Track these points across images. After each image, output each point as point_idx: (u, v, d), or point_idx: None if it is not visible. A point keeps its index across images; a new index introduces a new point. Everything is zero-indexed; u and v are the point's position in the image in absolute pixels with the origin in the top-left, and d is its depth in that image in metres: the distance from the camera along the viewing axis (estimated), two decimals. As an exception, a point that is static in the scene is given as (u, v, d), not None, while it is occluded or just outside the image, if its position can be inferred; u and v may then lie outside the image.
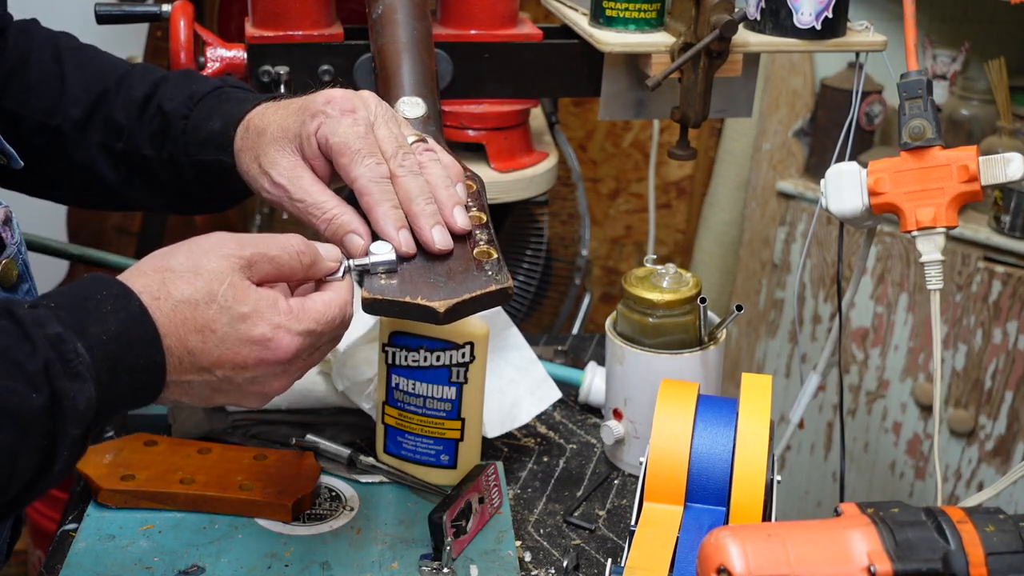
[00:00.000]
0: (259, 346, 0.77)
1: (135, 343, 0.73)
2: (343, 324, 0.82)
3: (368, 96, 0.91)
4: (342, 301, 0.81)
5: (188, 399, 0.79)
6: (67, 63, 1.07)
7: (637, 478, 0.99)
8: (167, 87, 1.03)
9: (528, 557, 1.04)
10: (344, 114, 0.87)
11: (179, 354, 0.75)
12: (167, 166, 1.02)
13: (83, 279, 0.76)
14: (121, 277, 0.76)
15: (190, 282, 0.76)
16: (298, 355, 0.79)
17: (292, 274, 0.81)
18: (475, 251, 0.86)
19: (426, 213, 0.86)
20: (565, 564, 1.02)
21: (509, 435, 1.23)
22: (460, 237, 0.88)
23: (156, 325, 0.74)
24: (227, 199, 1.05)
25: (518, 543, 1.06)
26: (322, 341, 0.81)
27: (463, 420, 1.07)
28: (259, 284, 0.79)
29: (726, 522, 0.92)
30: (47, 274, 2.34)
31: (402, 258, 0.85)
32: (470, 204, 0.91)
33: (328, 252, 0.83)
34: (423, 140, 0.91)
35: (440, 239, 0.86)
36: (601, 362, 1.31)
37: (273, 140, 0.90)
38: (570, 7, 1.30)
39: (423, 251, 0.86)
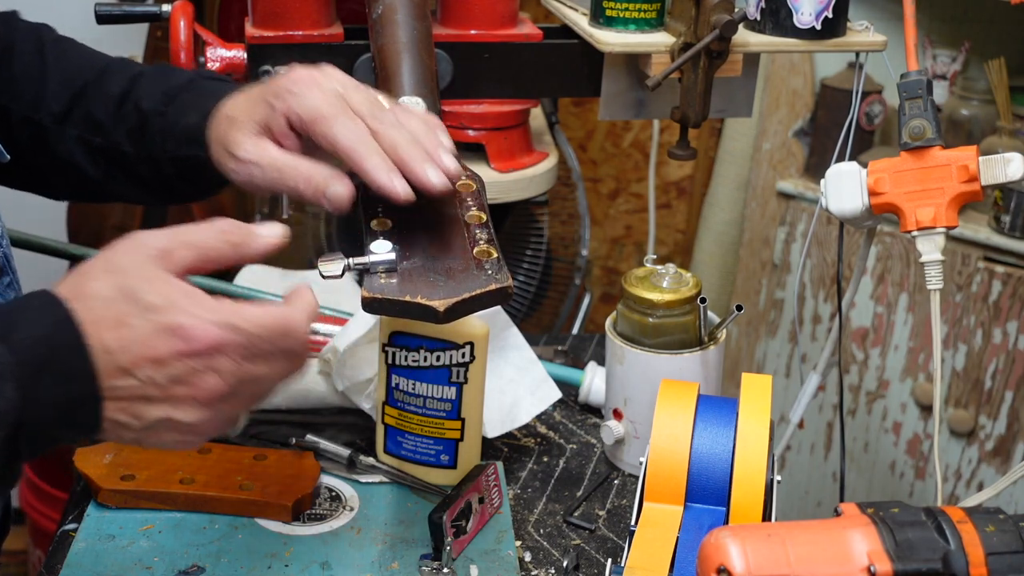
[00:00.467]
0: (171, 335, 0.72)
1: (60, 348, 0.71)
2: (287, 336, 0.76)
3: (331, 69, 0.89)
4: (289, 312, 0.76)
5: (126, 418, 0.74)
6: (48, 55, 1.06)
7: (637, 478, 0.99)
8: (143, 83, 1.02)
9: (528, 557, 1.04)
10: (311, 87, 0.86)
11: (99, 354, 0.72)
12: (147, 162, 1.01)
13: (21, 296, 0.74)
14: (51, 287, 0.74)
15: (103, 279, 0.73)
16: (219, 348, 0.73)
17: (219, 256, 0.77)
18: (475, 250, 0.86)
19: (416, 157, 0.84)
20: (565, 564, 1.02)
21: (509, 435, 1.23)
22: (460, 236, 0.88)
23: (80, 329, 0.71)
24: (209, 190, 1.03)
25: (518, 543, 1.06)
26: (259, 347, 0.75)
27: (463, 420, 1.07)
28: (183, 274, 0.75)
29: (726, 522, 0.92)
30: (47, 274, 2.33)
31: (402, 257, 0.85)
32: (470, 204, 0.91)
33: (268, 230, 0.79)
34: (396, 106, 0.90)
35: (436, 178, 0.83)
36: (601, 362, 1.31)
37: (240, 126, 0.89)
38: (570, 7, 1.30)
39: (423, 251, 0.86)
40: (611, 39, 1.20)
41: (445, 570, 0.98)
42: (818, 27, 1.19)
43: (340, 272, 0.84)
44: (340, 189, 0.84)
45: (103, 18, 1.26)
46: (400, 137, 0.85)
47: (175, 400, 0.74)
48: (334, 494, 1.09)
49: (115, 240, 0.76)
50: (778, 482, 0.94)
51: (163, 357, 0.72)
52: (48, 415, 0.71)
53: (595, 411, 1.30)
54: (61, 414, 0.72)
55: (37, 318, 0.71)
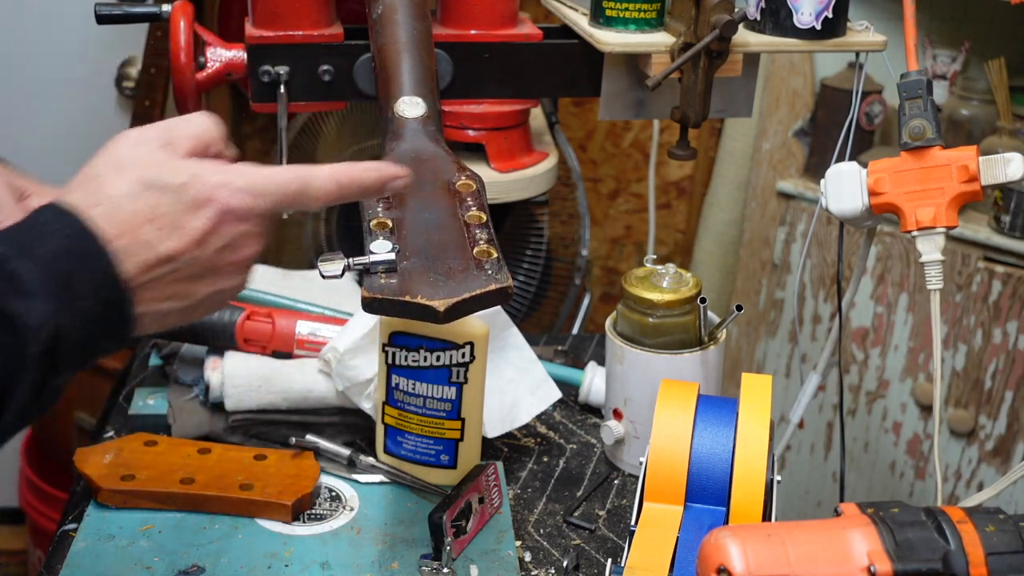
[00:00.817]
0: (207, 207, 0.73)
1: (86, 256, 0.70)
2: (305, 195, 0.77)
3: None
4: (307, 171, 0.78)
5: (172, 305, 0.75)
6: None
7: (637, 478, 0.99)
8: None
9: (528, 557, 1.04)
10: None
11: (136, 250, 0.72)
12: None
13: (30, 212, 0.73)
14: (53, 200, 0.74)
15: (119, 177, 0.73)
16: (254, 211, 0.75)
17: (215, 139, 0.78)
18: (475, 250, 0.86)
19: None
20: (565, 564, 1.02)
21: (509, 435, 1.23)
22: (460, 236, 0.88)
23: (102, 234, 0.71)
24: None
25: (518, 543, 1.06)
26: (282, 200, 0.77)
27: (463, 420, 1.07)
28: (189, 157, 0.76)
29: (726, 522, 0.92)
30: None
31: (402, 257, 0.85)
32: (470, 204, 0.91)
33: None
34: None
35: None
36: (601, 362, 1.30)
37: None
38: (570, 7, 1.30)
39: (423, 251, 0.86)
40: (611, 39, 1.20)
41: (445, 570, 0.98)
42: (818, 27, 1.19)
43: (340, 272, 0.84)
44: None
45: (103, 18, 1.26)
46: None
47: (220, 271, 0.76)
48: (334, 494, 1.09)
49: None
50: (778, 482, 0.94)
51: (204, 234, 0.73)
52: (88, 327, 0.71)
53: (595, 411, 1.30)
54: (102, 324, 0.72)
55: (54, 231, 0.71)
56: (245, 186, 0.75)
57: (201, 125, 0.78)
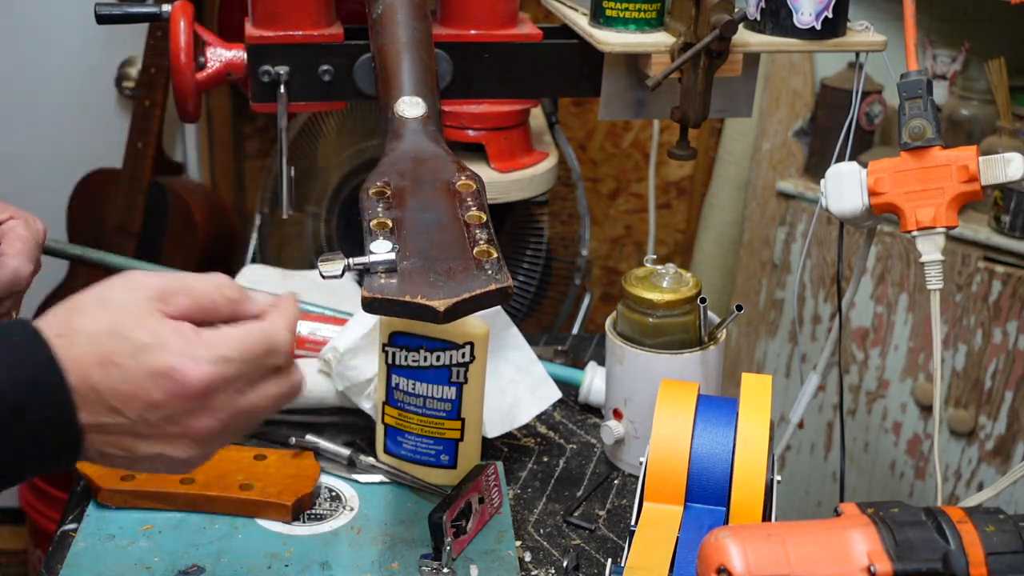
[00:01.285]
0: (164, 378, 0.70)
1: (41, 389, 0.68)
2: (272, 353, 0.74)
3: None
4: (269, 328, 0.74)
5: (114, 451, 0.72)
6: None
7: (637, 478, 0.99)
8: None
9: (528, 557, 1.04)
10: None
11: (83, 391, 0.69)
12: None
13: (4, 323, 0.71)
14: (35, 320, 0.71)
15: (94, 315, 0.71)
16: (214, 387, 0.71)
17: (213, 308, 0.74)
18: (475, 250, 0.86)
19: None
20: (565, 564, 1.02)
21: (509, 435, 1.23)
22: (460, 236, 0.88)
23: (63, 372, 0.69)
24: None
25: (518, 543, 1.06)
26: (252, 373, 0.73)
27: (463, 420, 1.07)
28: (178, 319, 0.73)
29: (726, 522, 0.92)
30: (47, 274, 2.33)
31: (402, 257, 0.85)
32: (470, 204, 0.91)
33: (263, 298, 0.78)
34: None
35: None
36: (601, 362, 1.30)
37: None
38: (570, 7, 1.30)
39: (423, 251, 0.86)
40: (611, 39, 1.20)
41: (445, 570, 0.98)
42: (818, 27, 1.19)
43: (340, 272, 0.83)
44: None
45: (103, 18, 1.26)
46: None
47: (168, 438, 0.72)
48: (334, 494, 1.09)
49: (111, 278, 0.74)
50: (778, 482, 0.94)
51: (155, 400, 0.70)
52: (25, 452, 0.69)
53: (595, 411, 1.30)
54: (40, 452, 0.70)
55: (18, 355, 0.69)
56: (212, 358, 0.71)
57: (206, 289, 0.74)
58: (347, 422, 1.19)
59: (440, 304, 0.80)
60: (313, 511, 1.06)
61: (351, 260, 0.84)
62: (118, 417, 0.70)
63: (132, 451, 0.72)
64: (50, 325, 0.71)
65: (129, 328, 0.70)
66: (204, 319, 0.74)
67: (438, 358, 1.05)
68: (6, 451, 0.68)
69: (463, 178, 0.93)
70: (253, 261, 2.04)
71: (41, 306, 2.34)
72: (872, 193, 1.06)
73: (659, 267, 1.15)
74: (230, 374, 0.72)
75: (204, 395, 0.71)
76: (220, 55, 1.22)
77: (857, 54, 1.23)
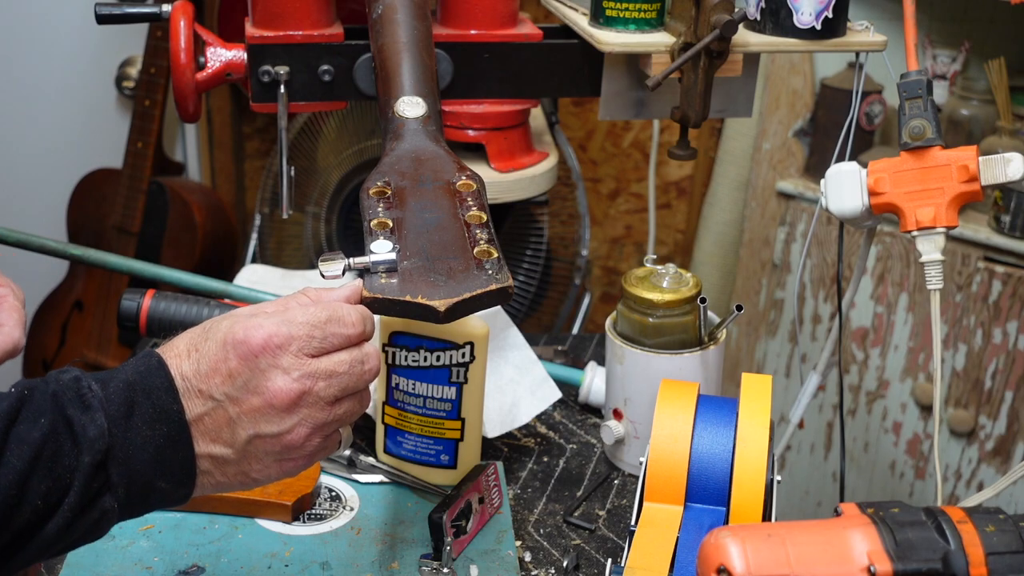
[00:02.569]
0: (231, 343, 0.75)
1: (150, 389, 0.74)
2: (334, 320, 0.78)
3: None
4: (328, 296, 0.81)
5: (221, 449, 0.75)
6: None
7: (637, 478, 0.99)
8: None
9: (528, 557, 1.04)
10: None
11: (180, 384, 0.75)
12: None
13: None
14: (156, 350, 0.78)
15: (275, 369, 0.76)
16: (276, 343, 0.76)
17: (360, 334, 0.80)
18: (475, 250, 0.86)
19: None
20: (565, 564, 1.02)
21: (509, 435, 1.23)
22: (460, 236, 0.88)
23: (170, 372, 0.74)
24: None
25: (518, 543, 1.06)
26: (317, 335, 0.77)
27: (463, 420, 1.07)
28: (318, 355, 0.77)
29: (726, 522, 0.92)
30: (47, 274, 2.34)
31: (403, 257, 0.85)
32: (470, 204, 0.91)
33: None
34: None
35: None
36: (601, 362, 1.30)
37: None
38: (570, 7, 1.30)
39: (423, 251, 0.86)
40: (611, 39, 1.20)
41: (445, 570, 0.98)
42: (818, 27, 1.19)
43: (340, 272, 0.84)
44: None
45: (103, 18, 1.26)
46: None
47: (255, 413, 0.75)
48: (334, 494, 1.09)
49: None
50: (778, 482, 0.94)
51: (232, 369, 0.75)
52: (139, 452, 0.72)
53: (595, 411, 1.30)
54: (154, 452, 0.73)
55: (133, 364, 0.75)
56: (271, 317, 0.76)
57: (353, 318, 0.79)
58: (347, 422, 1.19)
59: (440, 304, 0.81)
60: (313, 511, 1.06)
61: (351, 260, 0.84)
62: (208, 402, 0.74)
63: (232, 441, 0.75)
64: (174, 348, 0.77)
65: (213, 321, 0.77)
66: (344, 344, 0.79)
67: (438, 358, 1.05)
68: (119, 440, 0.71)
69: (463, 178, 0.93)
70: (253, 261, 2.04)
71: (41, 306, 2.35)
72: (872, 193, 1.06)
73: (659, 267, 1.15)
74: (293, 333, 0.76)
75: (267, 350, 0.75)
76: (220, 55, 1.22)
77: (857, 54, 1.23)
